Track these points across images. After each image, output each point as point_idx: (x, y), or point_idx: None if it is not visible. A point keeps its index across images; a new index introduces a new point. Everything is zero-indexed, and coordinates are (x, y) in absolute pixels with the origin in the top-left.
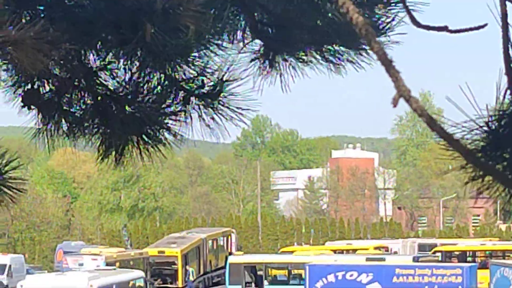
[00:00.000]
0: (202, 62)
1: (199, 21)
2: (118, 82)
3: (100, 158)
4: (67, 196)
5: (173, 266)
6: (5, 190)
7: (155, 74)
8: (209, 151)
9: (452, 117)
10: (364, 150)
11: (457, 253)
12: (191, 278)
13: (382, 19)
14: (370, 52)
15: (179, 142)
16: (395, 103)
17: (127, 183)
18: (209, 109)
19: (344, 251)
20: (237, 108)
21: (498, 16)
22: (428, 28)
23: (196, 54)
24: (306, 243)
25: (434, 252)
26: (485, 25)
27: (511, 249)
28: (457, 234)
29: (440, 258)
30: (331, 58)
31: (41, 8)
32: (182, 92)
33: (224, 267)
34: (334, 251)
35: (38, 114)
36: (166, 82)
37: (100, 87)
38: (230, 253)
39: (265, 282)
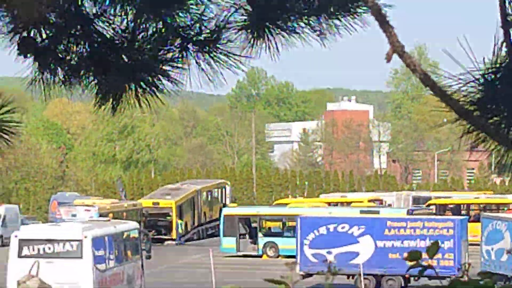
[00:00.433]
0: (198, 9)
1: None
2: (114, 29)
3: (96, 106)
4: (62, 147)
5: (167, 217)
6: (0, 133)
7: (151, 21)
8: (204, 103)
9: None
10: (359, 102)
11: (451, 206)
12: (180, 231)
13: None
14: (363, 15)
15: (177, 90)
16: (389, 58)
17: (122, 134)
18: (207, 55)
19: (338, 204)
20: (234, 55)
21: None
22: None
23: (192, 1)
24: (300, 195)
25: (429, 205)
26: None
27: (505, 203)
28: (452, 187)
29: (434, 211)
30: (319, 28)
31: None
32: (179, 39)
33: (218, 219)
34: (328, 204)
35: (33, 63)
36: (163, 29)
37: (96, 35)
38: (225, 205)
39: (259, 234)
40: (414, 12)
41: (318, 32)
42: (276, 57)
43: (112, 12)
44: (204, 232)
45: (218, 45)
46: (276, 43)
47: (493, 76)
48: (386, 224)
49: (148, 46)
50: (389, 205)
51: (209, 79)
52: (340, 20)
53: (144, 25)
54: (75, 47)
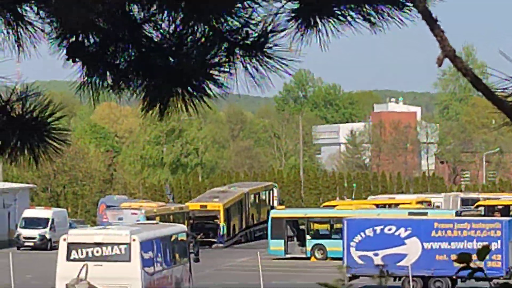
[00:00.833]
0: (246, 13)
1: None
2: (162, 34)
3: (144, 110)
4: (110, 150)
5: (215, 220)
6: (49, 141)
7: (199, 26)
8: (251, 105)
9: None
10: (407, 104)
11: (499, 207)
12: (222, 233)
13: None
14: (413, 8)
15: (224, 94)
16: (439, 63)
17: (169, 137)
18: (254, 60)
19: (387, 205)
20: (281, 59)
21: None
22: None
23: (240, 5)
24: (348, 197)
25: (477, 207)
26: None
27: None
28: (500, 188)
29: (482, 213)
30: (370, 17)
31: None
32: (226, 43)
33: (266, 221)
34: (377, 205)
35: (82, 67)
36: (211, 34)
37: (144, 40)
38: (272, 207)
39: (307, 237)
40: (460, 12)
41: (368, 19)
42: (326, 48)
43: (159, 16)
44: (252, 234)
45: (265, 49)
46: (326, 32)
47: None
48: (433, 226)
49: (195, 51)
50: (438, 207)
51: (256, 83)
52: (390, 9)
53: (191, 30)
54: (123, 51)
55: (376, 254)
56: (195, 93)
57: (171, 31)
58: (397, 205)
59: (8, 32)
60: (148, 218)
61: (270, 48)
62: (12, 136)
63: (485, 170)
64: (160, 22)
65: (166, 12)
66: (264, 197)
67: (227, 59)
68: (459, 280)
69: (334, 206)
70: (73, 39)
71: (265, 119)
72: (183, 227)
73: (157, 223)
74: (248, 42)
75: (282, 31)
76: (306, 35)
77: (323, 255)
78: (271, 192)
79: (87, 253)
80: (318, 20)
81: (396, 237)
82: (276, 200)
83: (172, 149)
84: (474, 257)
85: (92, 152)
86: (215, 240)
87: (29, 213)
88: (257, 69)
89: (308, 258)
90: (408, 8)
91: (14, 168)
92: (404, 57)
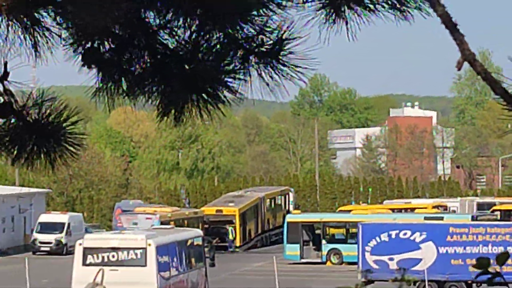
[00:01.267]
0: (261, 21)
1: None
2: (177, 40)
3: (159, 116)
4: (125, 155)
5: (231, 225)
6: (65, 145)
7: (214, 33)
8: (267, 110)
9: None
10: (423, 108)
11: None
12: (231, 237)
13: None
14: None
15: (238, 100)
16: (459, 66)
17: (185, 142)
18: (269, 67)
19: (402, 210)
20: (296, 67)
21: None
22: None
23: (255, 13)
24: (364, 202)
25: (493, 211)
26: None
27: None
28: None
29: (498, 217)
30: (398, 5)
31: None
32: (241, 50)
33: (282, 226)
34: (392, 210)
35: (98, 73)
36: (226, 41)
37: (159, 46)
38: (288, 212)
39: (323, 241)
40: (476, 16)
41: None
42: (355, 37)
43: (175, 23)
44: (268, 239)
45: (280, 57)
46: (355, 21)
47: None
48: (448, 230)
49: (211, 57)
50: (453, 211)
51: (271, 90)
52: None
53: (207, 37)
54: (138, 58)
55: (391, 259)
56: (210, 100)
57: (186, 38)
58: (413, 209)
59: (25, 38)
60: (162, 223)
61: (285, 55)
62: (29, 141)
63: (501, 175)
64: (175, 29)
65: (181, 19)
66: (279, 202)
67: (242, 66)
68: (474, 284)
69: (350, 210)
70: (89, 45)
71: (281, 124)
72: (199, 231)
73: (172, 228)
74: (263, 49)
75: (296, 38)
76: (335, 24)
77: (339, 259)
78: (286, 196)
79: (103, 257)
80: (346, 8)
81: (411, 242)
82: (291, 204)
83: (188, 154)
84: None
85: (108, 156)
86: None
87: (45, 217)
88: (271, 77)
89: (324, 263)
90: None
91: (30, 173)
92: (420, 62)
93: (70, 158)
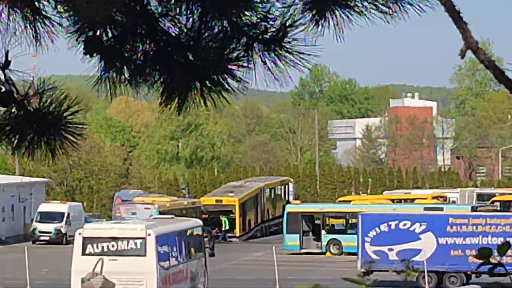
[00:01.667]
0: (264, 8)
1: None
2: (180, 28)
3: (162, 104)
4: (125, 144)
5: (230, 214)
6: (66, 135)
7: (217, 20)
8: (267, 100)
9: None
10: (423, 99)
11: None
12: (224, 228)
13: None
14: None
15: (242, 88)
16: (462, 54)
17: (185, 132)
18: (272, 54)
19: (402, 201)
20: (299, 53)
21: None
22: None
23: (258, 0)
24: (363, 192)
25: (493, 202)
26: None
27: None
28: None
29: (498, 208)
30: (383, 7)
31: None
32: (244, 37)
33: (281, 216)
34: (392, 201)
35: (100, 62)
36: (229, 28)
37: (162, 34)
38: (288, 202)
39: (323, 231)
40: (477, 5)
41: (383, 11)
42: (341, 38)
43: (177, 11)
44: (267, 229)
45: (283, 43)
46: (342, 23)
47: None
48: (448, 221)
49: (214, 45)
50: (453, 202)
51: (275, 77)
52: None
53: (209, 24)
54: (140, 46)
55: (390, 249)
56: (213, 88)
57: (189, 26)
58: (412, 200)
59: (25, 27)
60: (161, 213)
61: (289, 42)
62: (29, 130)
63: (501, 165)
64: (178, 17)
65: (184, 6)
66: (279, 192)
67: (245, 54)
68: (473, 275)
69: (350, 201)
70: (91, 33)
71: (281, 114)
72: (199, 221)
73: (172, 218)
74: (267, 36)
75: (300, 25)
76: (320, 27)
77: (339, 250)
78: (286, 186)
79: (102, 247)
80: (331, 10)
81: (411, 232)
82: (291, 195)
83: (187, 143)
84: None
85: (108, 146)
86: (231, 234)
87: (44, 207)
88: (275, 64)
89: (324, 253)
90: None
91: (30, 162)
92: (420, 52)
93: (70, 148)
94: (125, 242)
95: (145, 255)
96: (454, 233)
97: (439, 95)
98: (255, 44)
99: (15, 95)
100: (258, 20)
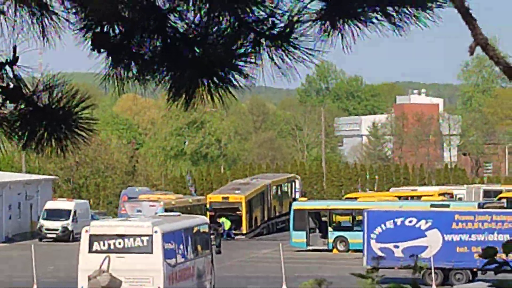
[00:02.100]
0: (272, 3)
1: None
2: (187, 24)
3: (169, 101)
4: (132, 141)
5: (237, 212)
6: (77, 131)
7: (225, 16)
8: (273, 97)
9: None
10: (429, 96)
11: None
12: (226, 228)
13: None
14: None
15: (250, 85)
16: (471, 51)
17: (191, 128)
18: (280, 50)
19: (409, 197)
20: (307, 49)
21: None
22: None
23: None
24: (370, 189)
25: (499, 199)
26: None
27: None
28: None
29: (505, 205)
30: (395, 20)
31: None
32: (252, 33)
33: (288, 213)
34: (399, 197)
35: (107, 58)
36: (236, 24)
37: (169, 30)
38: (294, 199)
39: (329, 228)
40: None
41: (393, 22)
42: (349, 49)
43: (185, 6)
44: (274, 226)
45: (291, 39)
46: (351, 34)
47: None
48: (454, 218)
49: (221, 41)
50: (460, 199)
51: (282, 73)
52: (417, 10)
53: (217, 20)
54: (148, 42)
55: (396, 246)
56: (221, 84)
57: (196, 21)
58: (419, 197)
59: (32, 22)
60: (166, 210)
61: (296, 38)
62: (39, 127)
63: (508, 162)
64: (185, 12)
65: (191, 2)
66: (286, 189)
67: (253, 50)
68: (479, 272)
69: (356, 198)
70: (98, 29)
71: (287, 111)
72: (205, 218)
73: (179, 215)
74: (274, 32)
75: (308, 21)
76: (330, 36)
77: (345, 247)
78: (293, 184)
79: (109, 244)
80: (342, 21)
81: (417, 229)
82: (298, 192)
83: (193, 140)
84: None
85: (114, 143)
86: (237, 232)
87: (51, 204)
88: (283, 60)
89: (330, 250)
90: (430, 8)
91: (36, 160)
92: (426, 49)
93: (82, 144)
94: (131, 239)
95: (151, 253)
96: (460, 230)
97: (446, 92)
98: (262, 40)
99: (24, 91)
100: (266, 16)
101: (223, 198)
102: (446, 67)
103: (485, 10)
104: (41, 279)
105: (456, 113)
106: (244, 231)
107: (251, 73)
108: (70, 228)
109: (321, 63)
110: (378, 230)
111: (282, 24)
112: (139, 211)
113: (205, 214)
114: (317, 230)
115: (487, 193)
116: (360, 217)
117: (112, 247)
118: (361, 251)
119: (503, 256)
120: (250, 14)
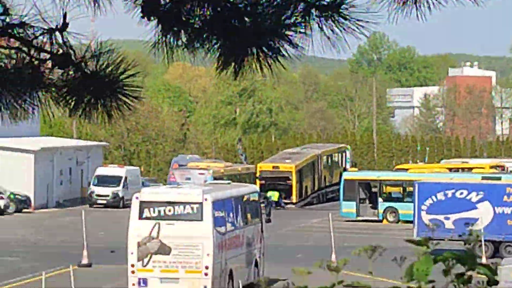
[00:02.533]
0: None
1: None
2: None
3: (218, 69)
4: (183, 109)
5: (287, 181)
6: (121, 97)
7: None
8: (325, 68)
9: None
10: (482, 68)
11: None
12: (274, 199)
13: None
14: None
15: (299, 55)
16: None
17: (242, 97)
18: (330, 21)
19: (460, 169)
20: (357, 20)
21: None
22: None
23: None
24: (421, 160)
25: None
26: None
27: None
28: None
29: None
30: None
31: None
32: (302, 3)
33: (338, 183)
34: (450, 170)
35: (157, 25)
36: None
37: None
38: (345, 170)
39: (379, 199)
40: None
41: None
42: (424, 18)
43: None
44: (324, 196)
45: (341, 10)
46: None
47: None
48: (505, 191)
49: (271, 11)
50: (511, 172)
51: (331, 44)
52: None
53: None
54: (198, 10)
55: (447, 218)
56: (270, 54)
57: None
58: (470, 169)
59: None
60: (215, 178)
61: (346, 9)
62: (86, 93)
63: None
64: None
65: None
66: (336, 159)
67: (302, 20)
68: None
69: (407, 169)
70: None
71: (339, 81)
72: (255, 187)
73: (229, 183)
74: (324, 2)
75: None
76: (405, 6)
77: (395, 218)
78: (343, 154)
79: (159, 211)
80: None
81: (468, 201)
82: (348, 162)
83: (244, 109)
84: None
85: (165, 111)
86: (288, 201)
87: (102, 171)
88: (332, 30)
89: (380, 221)
90: None
91: (87, 126)
92: (480, 21)
93: (127, 111)
94: (181, 206)
95: (201, 220)
96: (511, 202)
97: (499, 64)
98: (312, 10)
99: (72, 57)
100: None
101: (273, 167)
102: (499, 40)
103: None
104: (91, 245)
105: (509, 86)
106: (294, 201)
107: (300, 43)
108: (120, 194)
109: (373, 34)
110: (429, 201)
111: None
112: (188, 178)
113: (254, 183)
114: (367, 201)
115: None
116: (411, 189)
117: (162, 214)
118: (411, 222)
119: None
120: None
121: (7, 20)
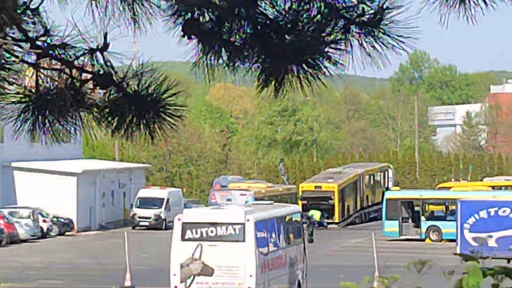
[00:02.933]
0: None
1: None
2: (277, 11)
3: (259, 87)
4: (225, 130)
5: (329, 201)
6: (165, 117)
7: (315, 3)
8: (366, 87)
9: None
10: None
11: None
12: (316, 219)
13: None
14: None
15: (339, 73)
16: None
17: (283, 116)
18: (370, 37)
19: (503, 187)
20: (398, 36)
21: None
22: None
23: None
24: (463, 179)
25: None
26: None
27: None
28: None
29: None
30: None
31: None
32: (342, 20)
33: (380, 203)
34: (493, 187)
35: (198, 44)
36: (326, 10)
37: (260, 16)
38: (387, 189)
39: (422, 218)
40: None
41: None
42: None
43: None
44: (367, 215)
45: (381, 26)
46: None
47: None
48: None
49: (311, 28)
50: None
51: (372, 61)
52: None
53: (307, 6)
54: (239, 28)
55: (490, 236)
56: (310, 71)
57: (286, 8)
58: None
59: (124, 8)
60: (256, 199)
61: (386, 25)
62: (128, 112)
63: None
64: None
65: None
66: (378, 178)
67: (343, 37)
68: None
69: (450, 187)
70: (189, 15)
71: (380, 100)
72: (297, 207)
73: (271, 204)
74: (364, 19)
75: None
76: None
77: (438, 236)
78: (386, 173)
79: (201, 232)
80: None
81: (511, 219)
82: (391, 181)
83: (285, 128)
84: None
85: (207, 132)
86: (330, 220)
87: (144, 193)
88: (373, 47)
89: (423, 240)
90: None
91: (130, 148)
92: None
93: (170, 130)
94: (224, 227)
95: (244, 241)
96: None
97: None
98: (352, 27)
99: (114, 77)
100: (356, 2)
101: (316, 187)
102: None
103: None
104: (134, 267)
105: None
106: (337, 220)
107: (341, 60)
108: (163, 216)
109: (414, 52)
110: (472, 219)
111: (372, 11)
112: (229, 199)
113: (296, 203)
114: (410, 220)
115: None
116: (453, 207)
117: (204, 235)
118: (454, 240)
119: None
120: (340, 0)
121: (48, 41)
